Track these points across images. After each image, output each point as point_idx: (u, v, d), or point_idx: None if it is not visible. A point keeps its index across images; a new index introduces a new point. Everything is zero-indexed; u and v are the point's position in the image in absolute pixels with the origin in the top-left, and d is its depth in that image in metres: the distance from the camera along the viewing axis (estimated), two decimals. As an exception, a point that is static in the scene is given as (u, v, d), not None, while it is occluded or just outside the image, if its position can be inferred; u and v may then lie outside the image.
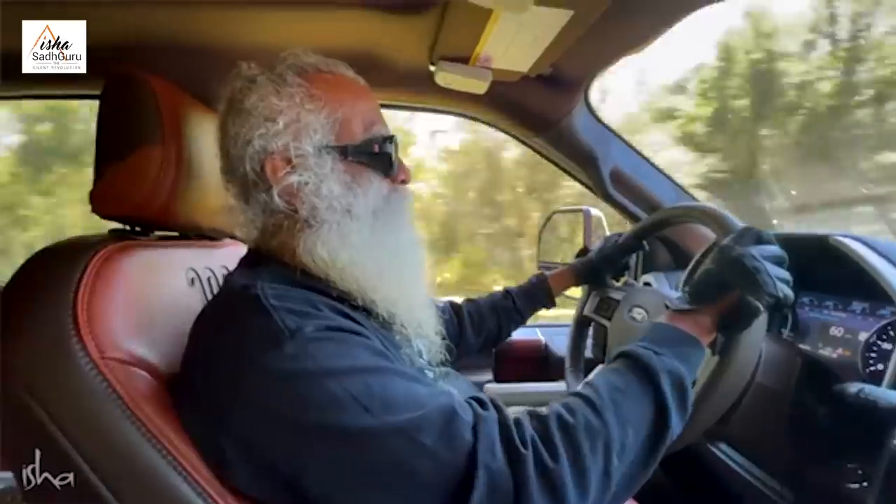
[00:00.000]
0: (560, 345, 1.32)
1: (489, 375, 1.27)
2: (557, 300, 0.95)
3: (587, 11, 0.70)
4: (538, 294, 0.92)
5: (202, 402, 0.47)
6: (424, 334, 0.60)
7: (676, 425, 0.49)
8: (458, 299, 0.92)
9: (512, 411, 0.48)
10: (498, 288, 0.95)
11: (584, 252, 0.99)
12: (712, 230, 0.69)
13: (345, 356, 0.45)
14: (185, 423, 0.48)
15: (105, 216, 0.61)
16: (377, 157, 0.56)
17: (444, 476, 0.42)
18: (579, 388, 0.51)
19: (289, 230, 0.55)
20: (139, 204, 0.58)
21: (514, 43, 0.79)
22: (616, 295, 0.89)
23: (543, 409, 0.47)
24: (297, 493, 0.44)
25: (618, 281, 0.95)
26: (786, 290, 0.52)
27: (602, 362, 0.89)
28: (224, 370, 0.46)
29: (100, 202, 0.59)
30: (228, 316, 0.49)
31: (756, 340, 0.56)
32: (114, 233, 0.63)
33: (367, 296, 0.53)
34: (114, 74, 0.60)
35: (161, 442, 0.46)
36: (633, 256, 0.94)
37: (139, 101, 0.59)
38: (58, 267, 0.50)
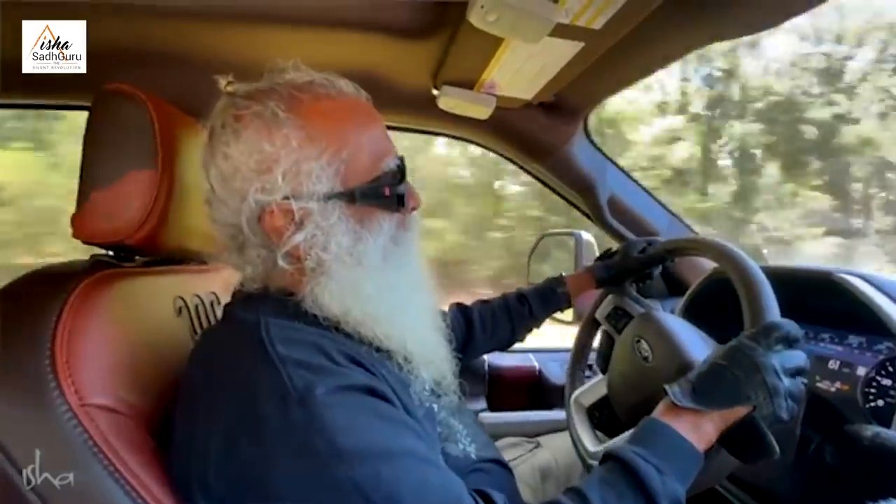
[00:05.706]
0: (554, 371, 1.30)
1: (483, 403, 1.23)
2: (546, 321, 0.91)
3: (597, 44, 0.70)
4: (554, 297, 0.88)
5: (188, 458, 0.42)
6: (438, 371, 0.57)
7: None
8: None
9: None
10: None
11: (605, 254, 0.94)
12: (742, 299, 0.56)
13: (357, 431, 0.40)
14: (170, 475, 0.44)
15: (88, 242, 0.56)
16: (387, 198, 0.51)
17: None
18: (570, 498, 0.45)
19: (293, 278, 0.50)
20: (128, 231, 0.54)
21: (522, 71, 0.79)
22: (630, 308, 0.84)
23: None
24: None
25: (637, 288, 0.89)
26: (794, 411, 0.48)
27: (604, 372, 0.84)
28: (218, 428, 0.41)
29: (83, 227, 0.55)
30: (227, 365, 0.44)
31: None
32: (96, 258, 0.58)
33: (381, 343, 0.50)
34: (104, 90, 0.56)
35: (147, 501, 0.41)
36: (659, 268, 0.88)
37: (132, 119, 0.55)
38: (35, 300, 0.45)
